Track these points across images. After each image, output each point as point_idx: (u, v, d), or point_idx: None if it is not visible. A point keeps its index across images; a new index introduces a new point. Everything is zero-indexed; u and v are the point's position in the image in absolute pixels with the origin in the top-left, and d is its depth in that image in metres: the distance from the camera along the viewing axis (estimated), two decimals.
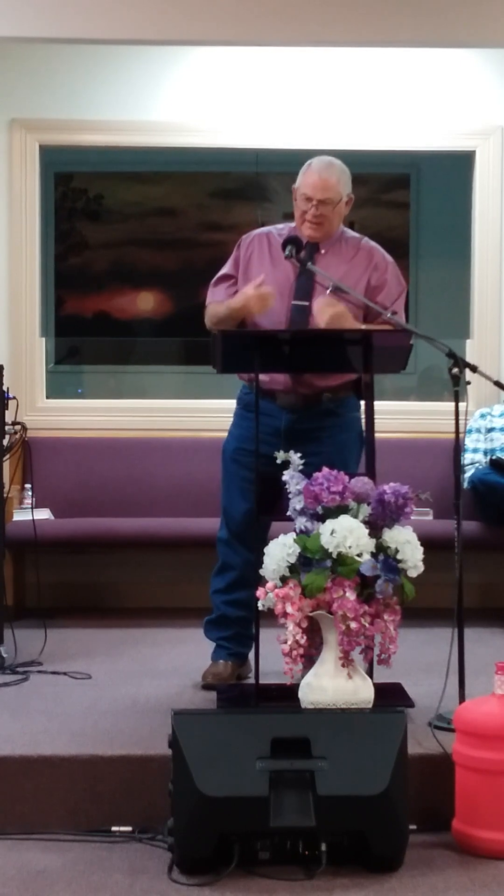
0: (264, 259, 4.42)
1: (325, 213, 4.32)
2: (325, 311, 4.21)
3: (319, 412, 4.32)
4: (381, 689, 3.82)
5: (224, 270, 4.52)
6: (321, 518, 3.71)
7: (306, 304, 4.31)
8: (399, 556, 3.67)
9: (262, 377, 4.31)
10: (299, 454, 3.85)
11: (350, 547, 3.61)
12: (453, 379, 3.96)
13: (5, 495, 5.09)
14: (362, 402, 4.41)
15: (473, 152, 6.47)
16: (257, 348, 4.13)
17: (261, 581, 4.39)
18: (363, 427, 4.41)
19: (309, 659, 3.76)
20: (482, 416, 6.14)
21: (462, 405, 3.98)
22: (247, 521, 4.39)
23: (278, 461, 3.84)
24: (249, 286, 4.28)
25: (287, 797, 3.24)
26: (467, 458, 5.98)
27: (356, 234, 4.51)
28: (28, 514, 5.44)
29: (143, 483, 6.18)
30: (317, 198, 4.31)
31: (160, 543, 5.82)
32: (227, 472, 4.51)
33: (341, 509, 3.70)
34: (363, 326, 4.29)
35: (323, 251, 4.40)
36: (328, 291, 4.30)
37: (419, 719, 3.87)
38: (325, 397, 4.35)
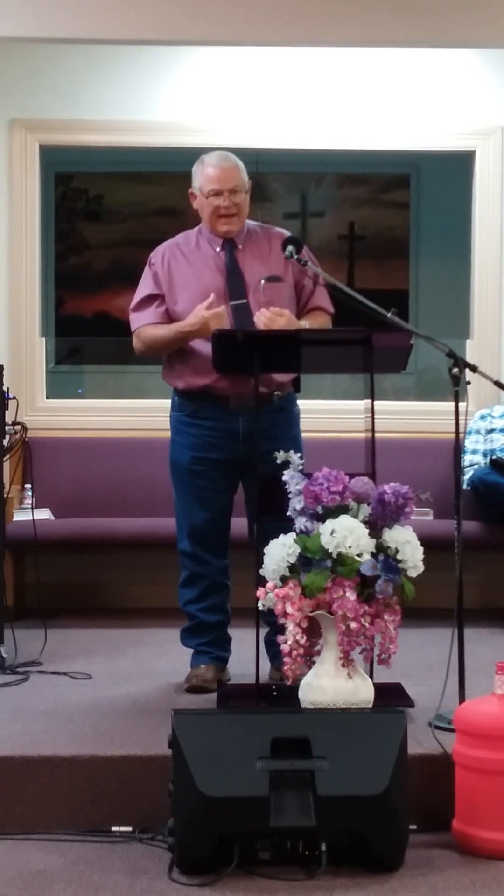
0: (184, 271, 4.39)
1: (238, 201, 4.33)
2: (273, 327, 4.19)
3: (271, 410, 4.30)
4: (381, 689, 3.82)
5: (146, 291, 4.43)
6: (321, 518, 3.71)
7: (244, 301, 4.32)
8: (399, 556, 3.67)
9: (214, 381, 4.29)
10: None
11: (350, 547, 3.61)
12: (453, 379, 3.96)
13: (5, 495, 5.09)
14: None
15: (473, 152, 6.47)
16: (257, 349, 4.12)
17: (230, 582, 4.45)
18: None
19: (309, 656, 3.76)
20: (482, 417, 6.14)
21: (462, 405, 3.98)
22: (210, 529, 4.41)
23: (278, 461, 3.84)
24: (201, 307, 4.22)
25: (287, 797, 3.24)
26: (466, 459, 5.98)
27: (258, 224, 4.50)
28: (28, 514, 5.45)
29: (143, 483, 6.18)
30: (226, 188, 4.31)
31: (160, 543, 5.79)
32: (184, 484, 4.45)
33: (341, 509, 3.70)
34: (305, 324, 4.31)
35: (240, 247, 4.39)
36: (262, 283, 4.31)
37: (419, 719, 3.87)
38: (275, 395, 4.35)
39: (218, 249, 4.39)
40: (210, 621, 4.45)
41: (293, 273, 4.39)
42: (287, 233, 4.44)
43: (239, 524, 4.47)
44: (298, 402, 4.55)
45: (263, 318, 4.21)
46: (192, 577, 4.46)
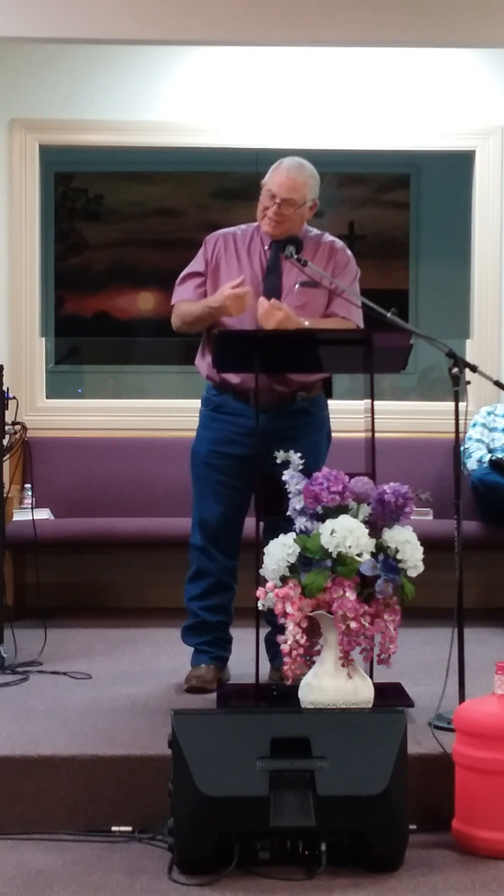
0: (231, 260, 4.42)
1: (286, 212, 4.32)
2: (269, 320, 4.19)
3: (293, 411, 4.31)
4: (381, 689, 3.82)
5: (192, 268, 4.48)
6: (321, 518, 3.70)
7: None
8: (399, 556, 3.67)
9: (235, 377, 4.30)
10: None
11: (350, 547, 3.61)
12: (453, 379, 3.96)
13: (5, 495, 5.08)
14: (330, 402, 4.44)
15: (473, 152, 6.48)
16: (257, 349, 4.12)
17: (236, 584, 4.44)
18: (331, 427, 4.47)
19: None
20: (488, 413, 6.14)
21: (462, 405, 3.98)
22: (222, 525, 4.41)
23: (278, 461, 3.84)
24: (227, 286, 4.24)
25: (287, 797, 3.24)
26: (472, 445, 5.98)
27: (318, 231, 4.50)
28: (28, 514, 5.44)
29: (143, 483, 6.18)
30: (281, 196, 4.31)
31: (160, 543, 5.81)
32: (200, 477, 4.46)
33: (341, 509, 3.70)
34: (307, 323, 4.28)
35: None
36: (296, 287, 4.31)
37: (419, 719, 3.87)
38: (299, 396, 4.35)
39: (266, 248, 4.40)
40: (212, 621, 4.45)
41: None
42: (339, 242, 4.46)
43: (246, 524, 4.47)
44: None
45: (261, 310, 4.21)
46: (198, 573, 4.46)
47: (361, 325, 4.38)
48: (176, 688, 4.39)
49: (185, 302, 4.43)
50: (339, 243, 4.48)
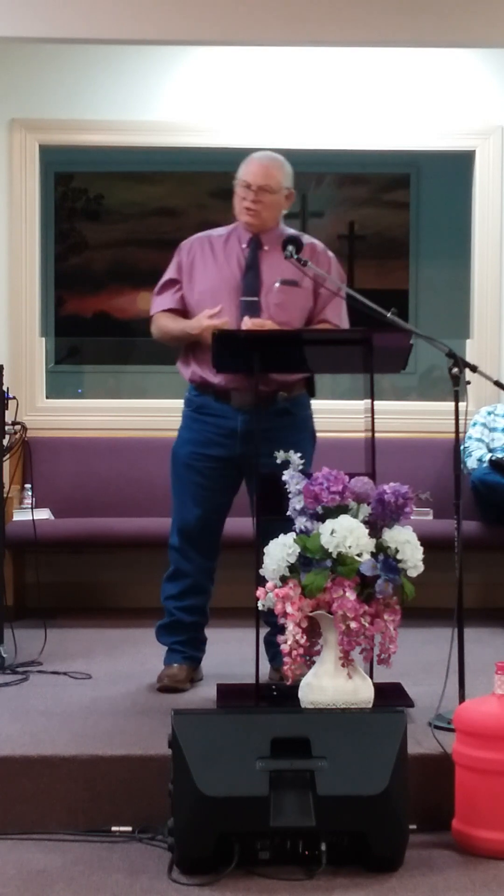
0: (207, 262, 4.44)
1: (263, 200, 4.36)
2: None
3: (275, 412, 4.31)
4: (381, 689, 3.82)
5: (168, 276, 4.51)
6: (321, 518, 3.70)
7: (255, 299, 4.34)
8: (399, 556, 3.67)
9: (216, 377, 4.32)
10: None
11: (350, 547, 3.61)
12: (453, 379, 3.96)
13: (5, 495, 5.09)
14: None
15: (473, 152, 6.47)
16: (257, 349, 4.12)
17: (213, 587, 4.45)
18: (314, 427, 4.48)
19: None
20: (488, 412, 6.14)
21: (462, 405, 3.99)
22: (200, 527, 4.42)
23: (278, 461, 3.84)
24: (204, 314, 4.28)
25: (287, 797, 3.24)
26: (472, 445, 5.98)
27: (298, 232, 4.52)
28: (28, 514, 5.44)
29: (143, 483, 6.18)
30: (256, 184, 4.35)
31: (160, 543, 5.78)
32: (179, 478, 4.48)
33: (341, 509, 3.70)
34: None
35: (266, 247, 4.41)
36: (276, 285, 4.33)
37: (419, 719, 3.87)
38: (280, 396, 4.35)
39: (244, 245, 4.42)
40: (187, 621, 4.48)
41: (314, 282, 4.39)
42: (320, 244, 4.48)
43: (242, 524, 4.47)
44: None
45: (246, 327, 4.23)
46: (176, 574, 4.49)
47: (344, 325, 4.42)
48: None
49: (164, 316, 4.47)
50: (321, 245, 4.50)
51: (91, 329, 7.90)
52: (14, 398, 5.48)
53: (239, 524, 4.53)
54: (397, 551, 3.67)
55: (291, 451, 3.86)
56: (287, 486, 3.81)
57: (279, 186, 4.39)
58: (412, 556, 3.69)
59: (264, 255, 4.39)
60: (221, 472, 4.38)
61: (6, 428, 5.05)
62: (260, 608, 3.80)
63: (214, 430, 4.38)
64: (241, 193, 4.39)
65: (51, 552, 5.82)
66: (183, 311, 4.44)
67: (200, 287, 4.40)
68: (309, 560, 3.65)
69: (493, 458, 5.92)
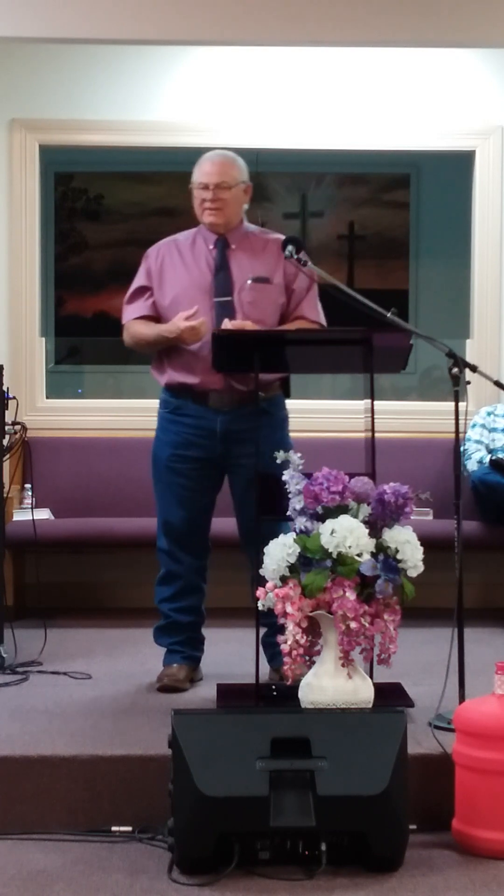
0: (177, 266, 4.45)
1: (223, 197, 4.38)
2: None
3: (253, 412, 4.28)
4: (381, 689, 3.82)
5: (137, 283, 4.51)
6: (321, 518, 3.71)
7: (228, 298, 4.35)
8: (399, 556, 3.67)
9: (194, 378, 4.32)
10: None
11: (350, 547, 3.61)
12: (453, 379, 3.96)
13: (5, 495, 5.09)
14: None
15: (473, 152, 6.47)
16: (258, 349, 4.12)
17: (206, 583, 4.45)
18: (288, 427, 4.48)
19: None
20: (487, 413, 6.14)
21: (462, 405, 3.99)
22: (187, 529, 4.43)
23: (278, 461, 3.84)
24: (180, 316, 4.28)
25: (287, 797, 3.24)
26: (471, 447, 5.98)
27: (258, 228, 4.55)
28: (28, 514, 5.44)
29: (143, 483, 6.11)
30: (213, 183, 4.37)
31: None
32: (162, 481, 4.48)
33: (341, 509, 3.70)
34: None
35: (233, 246, 4.43)
36: (248, 283, 4.35)
37: (419, 719, 3.87)
38: (258, 396, 4.36)
39: (211, 247, 4.43)
40: (184, 622, 4.48)
41: (285, 278, 4.40)
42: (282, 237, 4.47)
43: (232, 524, 4.48)
44: (295, 402, 4.55)
45: (228, 328, 4.23)
46: (168, 576, 4.49)
47: (325, 324, 4.43)
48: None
49: (137, 322, 4.47)
50: (282, 237, 4.46)
51: (91, 329, 7.89)
52: (14, 398, 5.48)
53: (232, 524, 4.52)
54: (397, 551, 3.67)
55: (291, 452, 3.86)
56: (287, 486, 3.81)
57: (235, 181, 4.41)
58: (412, 556, 3.69)
59: (232, 254, 4.41)
60: (202, 472, 4.39)
61: (6, 428, 5.05)
62: (260, 608, 3.80)
63: (193, 431, 4.38)
64: (200, 195, 4.41)
65: (51, 552, 5.82)
66: (156, 318, 4.45)
67: (172, 291, 4.40)
68: (309, 560, 3.65)
69: (494, 458, 5.92)
